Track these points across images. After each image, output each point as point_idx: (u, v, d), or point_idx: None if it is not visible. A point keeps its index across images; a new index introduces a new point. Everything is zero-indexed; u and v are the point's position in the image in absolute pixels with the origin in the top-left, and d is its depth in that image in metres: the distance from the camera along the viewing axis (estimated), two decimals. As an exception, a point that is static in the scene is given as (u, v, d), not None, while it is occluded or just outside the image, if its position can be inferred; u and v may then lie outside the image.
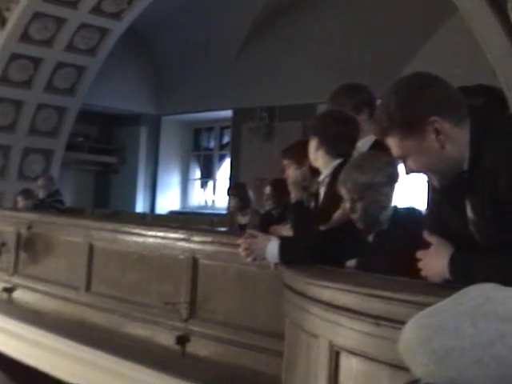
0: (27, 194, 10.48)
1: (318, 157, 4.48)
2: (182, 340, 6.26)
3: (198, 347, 6.21)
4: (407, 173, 2.86)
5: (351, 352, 3.01)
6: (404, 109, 2.75)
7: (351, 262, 3.78)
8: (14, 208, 10.66)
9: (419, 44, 10.49)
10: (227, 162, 14.14)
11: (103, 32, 10.89)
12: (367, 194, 3.79)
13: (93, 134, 15.36)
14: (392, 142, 2.82)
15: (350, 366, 3.05)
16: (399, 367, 2.64)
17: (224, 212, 13.04)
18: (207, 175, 15.20)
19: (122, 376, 6.66)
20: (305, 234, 4.31)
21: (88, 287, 7.81)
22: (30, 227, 9.00)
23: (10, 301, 9.10)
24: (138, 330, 6.95)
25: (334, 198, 4.09)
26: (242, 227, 7.60)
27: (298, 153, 4.82)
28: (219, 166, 14.81)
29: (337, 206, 4.11)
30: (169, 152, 15.19)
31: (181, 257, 6.49)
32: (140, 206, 14.99)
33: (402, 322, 2.29)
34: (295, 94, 11.97)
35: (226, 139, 14.64)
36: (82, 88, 11.57)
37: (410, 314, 2.21)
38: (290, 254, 3.81)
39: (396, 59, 10.42)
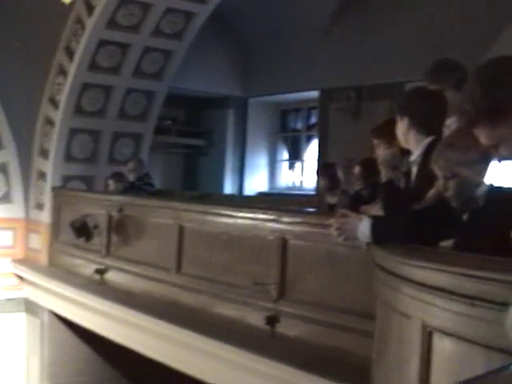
0: (118, 177, 10.65)
1: (408, 137, 4.39)
2: (272, 320, 6.28)
3: (288, 328, 6.22)
4: (500, 160, 2.79)
5: (445, 333, 2.96)
6: (490, 97, 2.67)
7: (447, 243, 3.71)
8: (105, 191, 10.85)
9: (508, 20, 10.20)
10: (315, 143, 14.07)
11: (189, 16, 10.92)
12: (460, 171, 3.70)
13: (180, 118, 15.49)
14: (481, 132, 2.75)
15: (443, 346, 3.00)
16: (495, 349, 2.59)
17: (312, 193, 13.02)
18: (295, 156, 15.15)
19: (211, 355, 6.73)
20: (397, 213, 4.25)
21: (178, 268, 7.90)
22: (121, 210, 9.14)
23: (103, 282, 9.29)
24: (227, 310, 7.00)
25: (426, 177, 4.03)
26: (331, 207, 7.56)
27: (388, 132, 4.74)
28: (307, 147, 14.73)
29: (429, 185, 4.04)
30: (256, 134, 15.20)
31: (270, 237, 6.50)
32: (228, 188, 15.06)
33: (499, 303, 2.24)
34: (383, 73, 11.81)
35: (313, 120, 14.56)
36: (169, 72, 11.64)
37: (506, 294, 2.16)
38: (383, 234, 3.76)
39: (485, 35, 10.17)
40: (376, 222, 3.82)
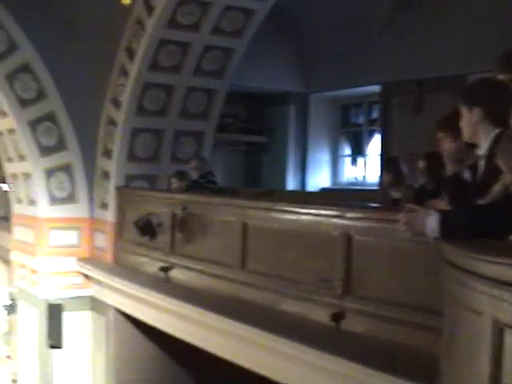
0: (181, 175, 10.71)
1: (477, 129, 4.25)
2: (337, 317, 6.25)
3: (353, 324, 6.18)
4: None
5: (517, 329, 2.91)
6: None
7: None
8: (169, 190, 10.92)
9: None
10: (377, 138, 13.97)
11: (248, 13, 10.91)
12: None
13: (242, 115, 15.51)
14: None
15: (514, 343, 2.95)
16: None
17: (375, 188, 12.93)
18: (357, 151, 15.09)
19: (276, 352, 6.73)
20: (465, 207, 4.17)
21: (243, 265, 7.91)
22: (184, 208, 9.19)
23: (167, 279, 9.35)
24: (292, 306, 6.99)
25: (492, 171, 3.94)
26: (395, 202, 7.50)
27: (454, 125, 4.63)
28: (369, 142, 14.65)
29: (496, 180, 3.96)
30: (318, 129, 15.16)
31: (334, 233, 6.46)
32: (290, 185, 15.06)
33: None
34: (444, 66, 11.65)
35: (375, 114, 14.46)
36: (229, 70, 11.65)
37: None
38: (451, 228, 3.70)
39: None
40: (444, 217, 3.76)
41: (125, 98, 11.15)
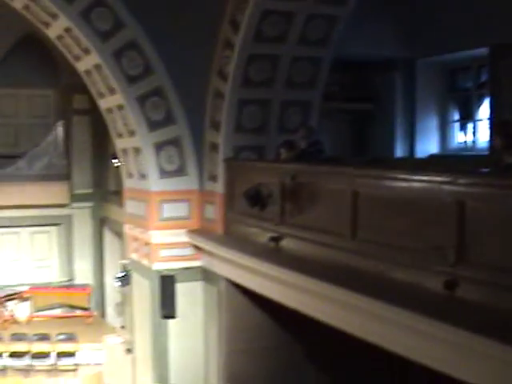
0: (289, 145, 10.68)
1: None
2: (451, 285, 6.16)
3: (468, 292, 6.09)
4: None
5: None
6: None
7: None
8: (277, 160, 10.94)
9: None
10: (486, 102, 13.63)
11: (351, -21, 10.81)
12: None
13: (347, 83, 15.37)
14: None
15: None
16: None
17: (485, 153, 12.65)
18: (466, 116, 14.77)
19: (388, 321, 6.71)
20: None
21: (353, 234, 7.87)
22: (293, 177, 9.19)
23: (278, 249, 9.41)
24: (404, 275, 6.93)
25: None
26: (509, 167, 7.30)
27: None
28: (478, 106, 14.31)
29: None
30: (425, 95, 14.91)
31: (447, 200, 6.35)
32: (398, 152, 14.89)
33: None
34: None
35: (484, 78, 14.09)
36: (334, 37, 11.55)
37: None
38: None
39: None
40: None
41: (231, 70, 11.22)
